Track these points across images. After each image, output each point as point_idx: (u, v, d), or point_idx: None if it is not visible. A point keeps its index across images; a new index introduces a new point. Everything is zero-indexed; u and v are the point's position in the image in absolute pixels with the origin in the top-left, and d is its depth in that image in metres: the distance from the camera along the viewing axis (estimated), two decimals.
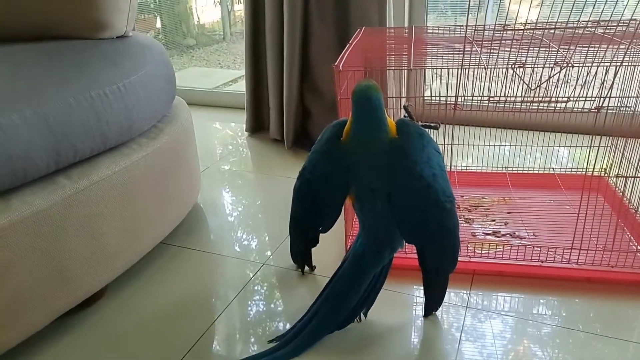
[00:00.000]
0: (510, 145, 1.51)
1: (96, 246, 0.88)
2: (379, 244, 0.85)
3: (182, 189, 1.13)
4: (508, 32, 0.95)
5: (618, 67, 0.83)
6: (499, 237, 1.09)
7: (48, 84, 0.81)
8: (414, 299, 0.95)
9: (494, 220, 1.15)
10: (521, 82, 0.87)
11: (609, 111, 0.90)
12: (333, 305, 0.85)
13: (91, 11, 0.97)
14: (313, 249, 1.02)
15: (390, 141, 0.82)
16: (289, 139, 1.64)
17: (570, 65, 0.82)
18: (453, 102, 0.94)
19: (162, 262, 1.09)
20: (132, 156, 0.95)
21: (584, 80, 0.88)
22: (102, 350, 0.86)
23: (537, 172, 1.33)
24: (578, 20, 0.90)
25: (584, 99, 0.89)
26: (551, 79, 0.85)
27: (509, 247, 1.03)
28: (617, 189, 1.18)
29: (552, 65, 0.83)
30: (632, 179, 1.03)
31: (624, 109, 1.03)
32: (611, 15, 0.88)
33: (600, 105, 0.86)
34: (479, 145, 1.40)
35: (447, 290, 0.90)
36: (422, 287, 0.90)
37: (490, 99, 0.92)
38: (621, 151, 1.09)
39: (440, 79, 0.96)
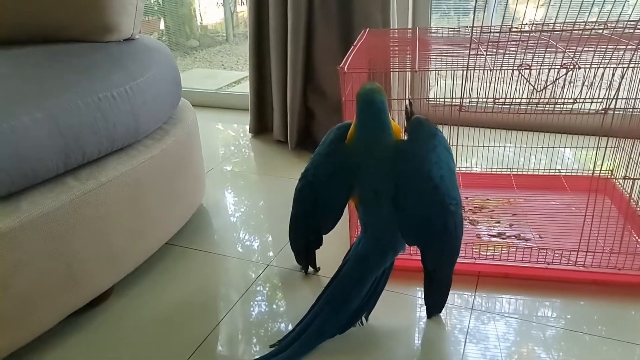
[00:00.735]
0: (515, 147, 1.51)
1: (103, 246, 0.89)
2: (381, 247, 0.85)
3: (188, 190, 1.13)
4: (513, 33, 0.95)
5: (625, 69, 0.83)
6: (504, 238, 1.09)
7: (57, 87, 0.82)
8: (418, 300, 0.95)
9: (498, 222, 1.15)
10: (527, 83, 0.87)
11: (615, 112, 0.90)
12: (334, 309, 0.84)
13: (99, 15, 0.97)
14: (318, 252, 1.03)
15: (395, 144, 0.82)
16: (292, 140, 1.64)
17: (576, 67, 0.82)
18: (458, 104, 0.94)
19: (167, 262, 1.09)
20: (139, 157, 0.95)
21: (590, 82, 0.88)
22: (108, 349, 0.86)
23: (542, 173, 1.33)
24: (585, 22, 0.90)
25: (590, 100, 0.89)
26: (557, 81, 0.85)
27: (514, 249, 1.03)
28: (624, 190, 1.18)
29: (558, 67, 0.83)
30: (639, 180, 1.03)
31: (631, 110, 1.03)
32: (619, 16, 0.88)
33: (607, 106, 0.86)
34: (483, 146, 1.40)
35: (452, 292, 0.90)
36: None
37: (496, 100, 0.92)
38: (628, 153, 1.09)
39: (445, 80, 0.96)
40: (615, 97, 0.85)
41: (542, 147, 1.44)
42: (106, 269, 0.90)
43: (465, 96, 0.91)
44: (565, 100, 0.88)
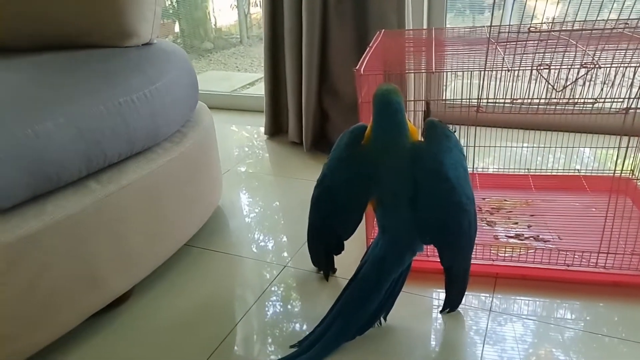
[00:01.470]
0: (533, 147, 1.50)
1: (123, 248, 0.90)
2: (400, 248, 0.85)
3: (205, 192, 1.14)
4: (531, 32, 0.94)
5: None
6: (522, 240, 1.08)
7: (79, 92, 0.83)
8: (435, 302, 0.95)
9: (516, 223, 1.14)
10: (545, 83, 0.87)
11: (637, 112, 0.89)
12: (353, 310, 0.84)
13: (119, 21, 0.99)
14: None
15: (412, 145, 0.82)
16: (307, 141, 1.65)
17: (596, 66, 0.81)
18: (475, 105, 0.94)
19: (185, 264, 1.10)
20: (158, 160, 0.96)
21: (611, 82, 0.87)
22: (128, 350, 0.87)
23: (560, 173, 1.32)
24: (605, 20, 0.89)
25: (611, 100, 0.88)
26: (577, 81, 0.84)
27: (533, 251, 1.03)
28: None
29: (578, 67, 0.82)
30: None
31: None
32: None
33: (628, 106, 0.85)
34: (500, 146, 1.39)
35: (470, 293, 0.90)
36: (442, 290, 0.91)
37: (514, 101, 0.91)
38: None
39: (462, 80, 0.96)
40: (636, 96, 0.84)
41: (561, 147, 1.43)
42: (126, 270, 0.92)
43: (483, 97, 0.91)
44: (586, 100, 0.87)
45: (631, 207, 1.05)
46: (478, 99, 0.91)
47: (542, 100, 0.90)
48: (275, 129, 1.83)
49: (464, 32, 1.20)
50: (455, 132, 0.90)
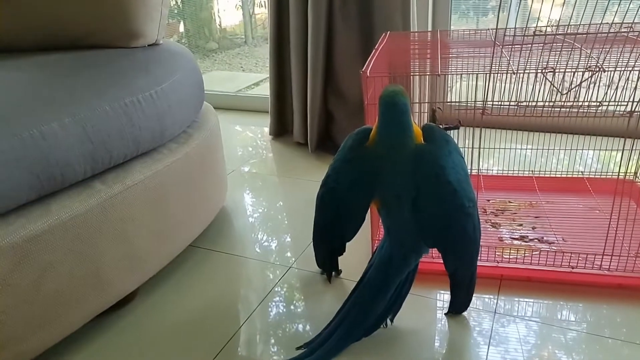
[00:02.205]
0: (537, 149, 1.50)
1: (129, 249, 0.90)
2: (405, 250, 0.85)
3: (210, 193, 1.15)
4: (537, 34, 0.94)
5: None
6: (526, 242, 1.08)
7: (86, 92, 0.84)
8: (441, 303, 0.95)
9: (521, 225, 1.14)
10: (550, 85, 0.87)
11: None
12: (360, 312, 0.85)
13: (126, 22, 0.99)
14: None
15: (416, 147, 0.82)
16: (312, 142, 1.65)
17: (601, 69, 0.81)
18: (480, 108, 0.94)
19: (191, 264, 1.11)
20: (163, 161, 0.97)
21: (616, 85, 0.87)
22: (133, 351, 0.88)
23: (564, 175, 1.32)
24: (610, 24, 0.89)
25: (615, 103, 0.88)
26: (582, 84, 0.84)
27: (537, 252, 1.03)
28: None
29: (583, 70, 0.82)
30: None
31: None
32: None
33: (632, 109, 0.85)
34: (505, 148, 1.39)
35: (475, 295, 0.90)
36: (448, 292, 0.91)
37: (520, 104, 0.91)
38: None
39: (467, 81, 0.96)
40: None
41: (565, 149, 1.42)
42: (131, 271, 0.92)
43: (488, 99, 0.91)
44: (590, 103, 0.87)
45: (635, 210, 1.05)
46: (483, 101, 0.92)
47: (547, 103, 0.90)
48: (280, 130, 1.83)
49: (469, 34, 1.21)
50: (459, 126, 0.90)
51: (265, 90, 1.80)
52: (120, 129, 0.86)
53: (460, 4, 2.06)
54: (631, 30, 0.92)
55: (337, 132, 1.66)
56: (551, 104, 0.90)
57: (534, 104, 0.92)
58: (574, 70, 0.83)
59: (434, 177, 0.81)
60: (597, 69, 0.81)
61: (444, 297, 0.96)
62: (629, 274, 0.95)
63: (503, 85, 0.91)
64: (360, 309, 0.85)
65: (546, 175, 1.32)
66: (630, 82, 0.85)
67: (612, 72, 0.83)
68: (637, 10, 0.81)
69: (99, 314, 0.89)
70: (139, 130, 0.90)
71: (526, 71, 0.85)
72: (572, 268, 0.97)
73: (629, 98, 0.87)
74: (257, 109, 2.14)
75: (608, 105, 0.88)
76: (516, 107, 0.93)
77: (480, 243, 0.87)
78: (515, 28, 1.07)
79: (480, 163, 1.43)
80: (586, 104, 0.88)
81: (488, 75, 0.88)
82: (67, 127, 0.77)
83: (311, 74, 1.57)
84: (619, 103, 0.88)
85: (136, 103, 0.89)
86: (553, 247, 1.05)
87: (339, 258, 1.04)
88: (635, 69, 0.82)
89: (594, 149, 1.45)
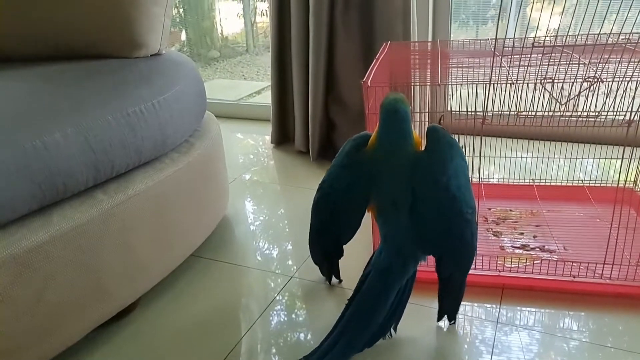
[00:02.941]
0: (537, 158, 1.50)
1: (130, 259, 0.90)
2: (403, 257, 0.85)
3: (212, 202, 1.15)
4: (536, 45, 0.95)
5: None
6: (528, 250, 1.08)
7: (88, 103, 0.84)
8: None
9: (522, 233, 1.14)
10: (549, 95, 0.87)
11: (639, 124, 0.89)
12: (361, 323, 0.83)
13: (128, 32, 1.00)
14: (341, 263, 1.03)
15: (415, 153, 0.83)
16: (314, 150, 1.65)
17: (599, 80, 0.81)
18: (480, 117, 0.94)
19: (192, 274, 1.11)
20: (165, 170, 0.97)
21: (614, 95, 0.87)
22: None
23: (565, 184, 1.32)
24: (608, 34, 0.90)
25: (613, 113, 0.88)
26: (580, 94, 0.85)
27: (539, 261, 1.03)
28: None
29: (581, 81, 0.82)
30: None
31: None
32: None
33: (631, 119, 0.85)
34: (505, 157, 1.39)
35: (477, 304, 0.90)
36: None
37: (519, 113, 0.92)
38: None
39: (467, 90, 0.96)
40: (638, 110, 0.85)
41: (565, 158, 1.43)
42: (132, 281, 0.92)
43: (488, 109, 0.91)
44: (589, 113, 0.88)
45: (635, 218, 1.05)
46: (484, 111, 0.92)
47: (546, 113, 0.91)
48: (282, 138, 1.84)
49: (469, 44, 1.21)
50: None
51: (266, 98, 1.81)
52: (123, 139, 0.86)
53: (460, 12, 2.07)
54: (629, 41, 0.93)
55: (338, 140, 1.66)
56: (550, 113, 0.90)
57: (533, 113, 0.92)
58: (572, 81, 0.83)
59: (432, 184, 0.81)
60: (595, 80, 0.81)
61: None
62: (630, 283, 0.95)
63: (503, 94, 0.92)
64: (360, 319, 0.84)
65: (547, 184, 1.32)
66: (628, 91, 0.86)
67: (610, 82, 0.83)
68: (635, 20, 0.82)
69: (100, 324, 0.89)
70: (141, 140, 0.90)
71: (525, 81, 0.86)
72: (574, 277, 0.97)
73: (628, 107, 0.88)
74: (259, 117, 2.15)
75: (607, 115, 0.89)
76: (516, 116, 0.93)
77: (482, 252, 0.87)
78: (514, 38, 1.08)
79: (481, 171, 1.43)
80: (585, 113, 0.89)
81: (488, 85, 0.88)
82: (70, 137, 0.78)
83: (312, 82, 1.58)
84: (617, 113, 0.88)
85: (138, 113, 0.90)
86: (554, 256, 1.05)
87: (341, 265, 1.04)
88: (633, 79, 0.82)
89: (594, 157, 1.46)
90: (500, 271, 1.01)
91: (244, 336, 0.92)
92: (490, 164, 1.48)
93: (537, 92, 0.88)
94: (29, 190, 0.73)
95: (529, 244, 1.10)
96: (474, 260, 0.88)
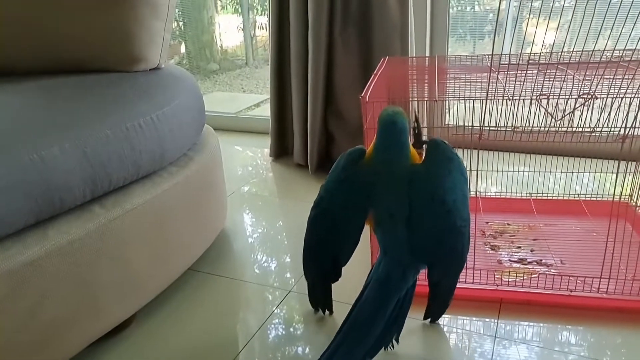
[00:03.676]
0: (534, 172, 1.51)
1: (127, 274, 0.90)
2: (402, 266, 0.85)
3: (210, 215, 1.15)
4: (531, 62, 0.96)
5: None
6: (525, 264, 1.08)
7: (87, 117, 0.85)
8: (441, 327, 0.95)
9: (519, 247, 1.15)
10: (545, 111, 0.88)
11: (633, 139, 0.90)
12: (360, 334, 0.83)
13: (128, 46, 1.01)
14: (338, 284, 1.01)
15: (412, 167, 0.83)
16: (313, 164, 1.66)
17: (593, 96, 0.82)
18: (477, 132, 0.95)
19: (189, 288, 1.11)
20: (163, 184, 0.97)
21: (608, 111, 0.88)
22: None
23: (561, 198, 1.32)
24: (602, 51, 0.91)
25: (608, 129, 0.89)
26: (575, 110, 0.86)
27: (536, 275, 1.03)
28: None
29: (576, 97, 0.83)
30: None
31: None
32: (636, 44, 0.89)
33: (625, 135, 0.86)
34: (501, 171, 1.40)
35: (475, 318, 0.90)
36: (450, 315, 0.92)
37: (515, 129, 0.92)
38: None
39: (464, 104, 0.97)
40: (632, 125, 0.86)
41: (561, 172, 1.44)
42: (129, 296, 0.92)
43: (484, 124, 0.92)
44: (584, 129, 0.89)
45: (631, 232, 1.05)
46: (480, 126, 0.93)
47: (542, 128, 0.91)
48: (281, 151, 1.84)
49: (466, 60, 1.22)
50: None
51: (265, 111, 1.82)
52: (121, 153, 0.86)
53: (457, 28, 2.09)
54: (622, 59, 0.94)
55: (337, 153, 1.66)
56: (546, 129, 0.91)
57: (529, 129, 0.93)
58: (567, 97, 0.84)
59: (428, 197, 0.82)
60: (590, 96, 0.82)
61: (443, 321, 0.96)
62: (627, 297, 0.95)
63: (499, 109, 0.93)
64: (359, 330, 0.83)
65: (544, 198, 1.33)
66: (622, 107, 0.87)
67: (605, 99, 0.84)
68: (629, 36, 0.83)
69: (95, 340, 0.88)
70: (139, 154, 0.91)
71: (521, 97, 0.86)
72: (570, 292, 0.97)
73: (622, 122, 0.89)
74: (258, 130, 2.15)
75: (601, 131, 0.90)
76: (512, 132, 0.94)
77: (480, 266, 0.88)
78: (510, 54, 1.09)
79: (478, 185, 1.43)
80: (580, 129, 0.90)
81: (484, 101, 0.89)
82: (67, 151, 0.78)
83: (311, 96, 1.59)
84: (612, 129, 0.89)
85: (137, 127, 0.90)
86: (552, 270, 1.05)
87: (340, 283, 1.03)
88: (626, 96, 0.83)
89: (589, 172, 1.46)
90: (498, 285, 1.01)
91: (242, 351, 0.92)
92: (488, 178, 1.49)
93: (533, 107, 0.89)
94: (26, 204, 0.73)
95: (526, 257, 1.11)
96: (465, 270, 0.91)
